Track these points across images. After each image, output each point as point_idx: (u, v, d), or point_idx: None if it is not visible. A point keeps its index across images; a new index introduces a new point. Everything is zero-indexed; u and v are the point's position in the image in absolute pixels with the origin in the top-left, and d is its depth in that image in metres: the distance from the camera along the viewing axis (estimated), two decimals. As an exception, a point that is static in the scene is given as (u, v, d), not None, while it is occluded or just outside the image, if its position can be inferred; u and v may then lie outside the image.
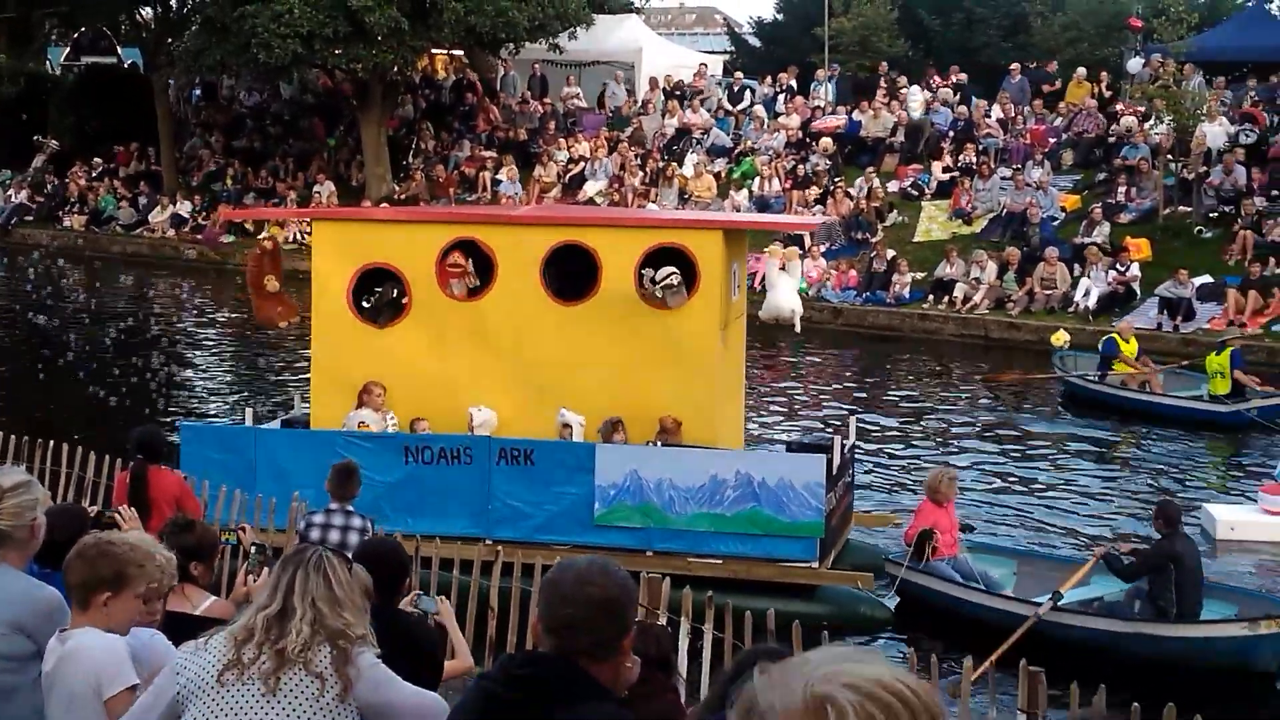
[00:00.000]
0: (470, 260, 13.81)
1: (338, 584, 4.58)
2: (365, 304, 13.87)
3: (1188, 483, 18.01)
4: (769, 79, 37.73)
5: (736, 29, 55.39)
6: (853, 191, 31.01)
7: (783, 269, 14.88)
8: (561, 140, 36.27)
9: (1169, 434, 19.82)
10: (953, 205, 30.38)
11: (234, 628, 4.56)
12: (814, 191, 31.37)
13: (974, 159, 31.40)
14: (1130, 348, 21.56)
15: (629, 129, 36.23)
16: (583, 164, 34.88)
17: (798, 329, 15.25)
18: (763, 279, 17.99)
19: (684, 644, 9.48)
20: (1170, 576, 11.82)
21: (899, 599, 12.89)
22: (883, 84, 35.36)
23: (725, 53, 49.04)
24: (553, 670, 3.65)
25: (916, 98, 34.26)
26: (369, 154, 37.27)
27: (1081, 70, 34.12)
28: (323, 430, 13.46)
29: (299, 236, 35.14)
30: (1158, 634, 11.68)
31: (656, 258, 13.22)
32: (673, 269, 13.08)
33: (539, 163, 35.32)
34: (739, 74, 38.94)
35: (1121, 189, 29.07)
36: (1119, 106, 31.75)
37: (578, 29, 36.88)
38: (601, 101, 38.77)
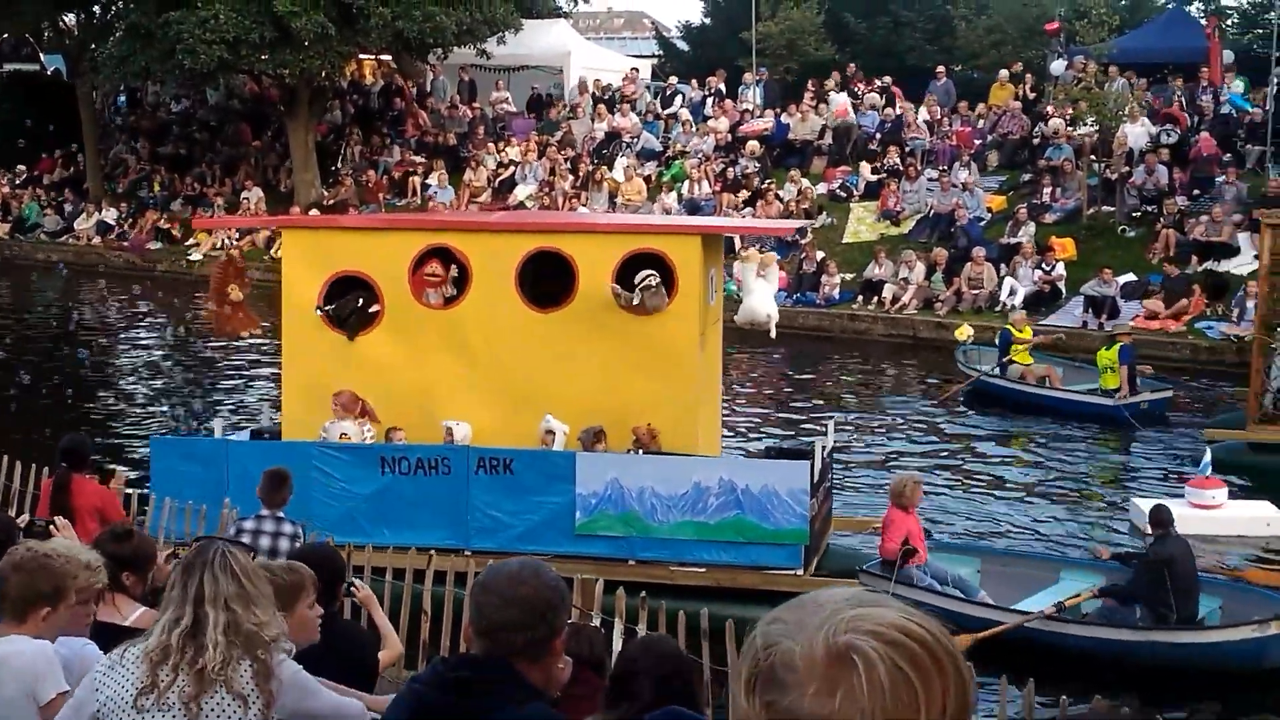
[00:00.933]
0: (449, 269, 13.64)
1: (245, 578, 4.49)
2: (327, 312, 13.62)
3: (1095, 475, 18.43)
4: (697, 83, 37.89)
5: (664, 33, 55.55)
6: (782, 194, 31.20)
7: (760, 274, 14.75)
8: (491, 145, 36.25)
9: (1067, 428, 20.18)
10: (881, 207, 30.64)
11: (148, 645, 4.43)
12: (744, 194, 31.54)
13: (901, 161, 31.69)
14: (1025, 335, 22.01)
15: (559, 133, 36.26)
16: (513, 168, 34.88)
17: (773, 334, 15.15)
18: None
19: (618, 645, 9.53)
20: (1166, 581, 11.68)
21: None
22: (810, 87, 35.58)
23: (653, 56, 49.15)
24: (485, 672, 3.65)
25: (844, 101, 34.50)
26: (297, 160, 37.06)
27: (1005, 73, 34.51)
28: (297, 442, 13.18)
29: (227, 241, 35.00)
30: (1171, 641, 11.55)
31: (633, 264, 13.09)
32: (650, 271, 12.96)
33: (469, 167, 35.27)
34: (671, 79, 39.02)
35: (1046, 189, 29.44)
36: (1043, 108, 32.13)
37: (506, 34, 36.88)
38: (532, 105, 38.78)
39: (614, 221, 16.95)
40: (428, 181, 35.10)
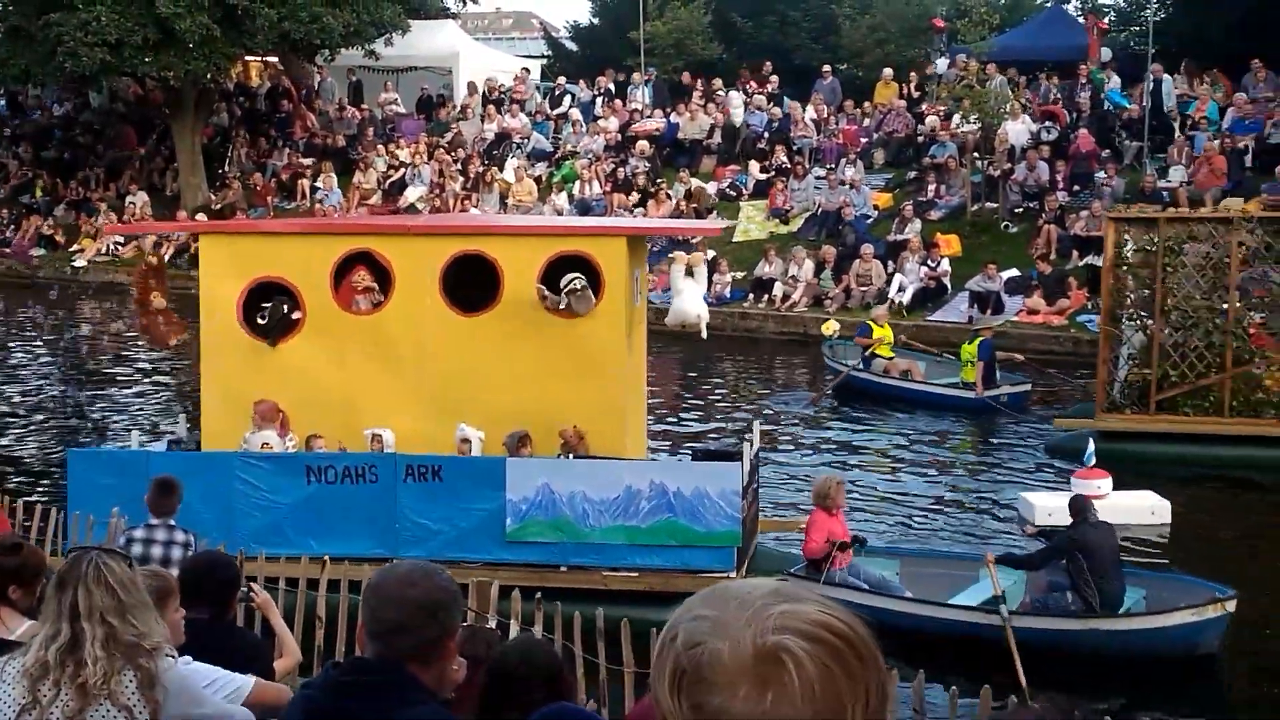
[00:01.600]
0: (373, 275, 13.40)
1: (121, 589, 4.40)
2: (260, 320, 13.36)
3: (960, 466, 18.86)
4: (586, 83, 37.98)
5: (553, 33, 55.55)
6: (672, 193, 31.39)
7: (688, 274, 14.62)
8: (380, 146, 36.08)
9: (934, 421, 20.67)
10: (770, 205, 30.94)
11: (26, 662, 4.37)
12: (634, 194, 31.71)
13: (789, 159, 32.01)
14: (884, 331, 22.53)
15: (448, 134, 36.18)
16: (403, 170, 34.74)
17: (704, 334, 14.97)
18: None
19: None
20: (1083, 566, 11.76)
21: None
22: (699, 87, 35.81)
23: (542, 57, 49.13)
24: (377, 674, 3.64)
25: (735, 100, 34.79)
26: (183, 163, 36.63)
27: (888, 71, 34.97)
28: (220, 452, 12.90)
29: (112, 248, 34.53)
30: (1111, 628, 11.67)
31: (558, 266, 12.98)
32: (576, 274, 12.86)
33: (358, 169, 35.09)
34: (561, 80, 39.07)
35: (931, 186, 29.91)
36: (926, 106, 32.62)
37: (393, 35, 36.72)
38: (421, 106, 38.64)
39: (538, 224, 16.85)
40: (316, 184, 34.86)
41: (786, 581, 2.01)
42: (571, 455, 12.74)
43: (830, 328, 23.73)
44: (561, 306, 12.86)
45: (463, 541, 12.41)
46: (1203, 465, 17.26)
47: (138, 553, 9.63)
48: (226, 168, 37.44)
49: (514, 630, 9.79)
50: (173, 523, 10.10)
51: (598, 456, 12.78)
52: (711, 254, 28.77)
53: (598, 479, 12.29)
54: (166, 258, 33.54)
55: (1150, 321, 17.94)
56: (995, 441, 19.99)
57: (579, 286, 12.80)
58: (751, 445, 13.57)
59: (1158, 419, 17.87)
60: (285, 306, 13.39)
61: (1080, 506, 12.20)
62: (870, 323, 22.86)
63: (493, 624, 9.44)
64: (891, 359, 22.23)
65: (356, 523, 12.40)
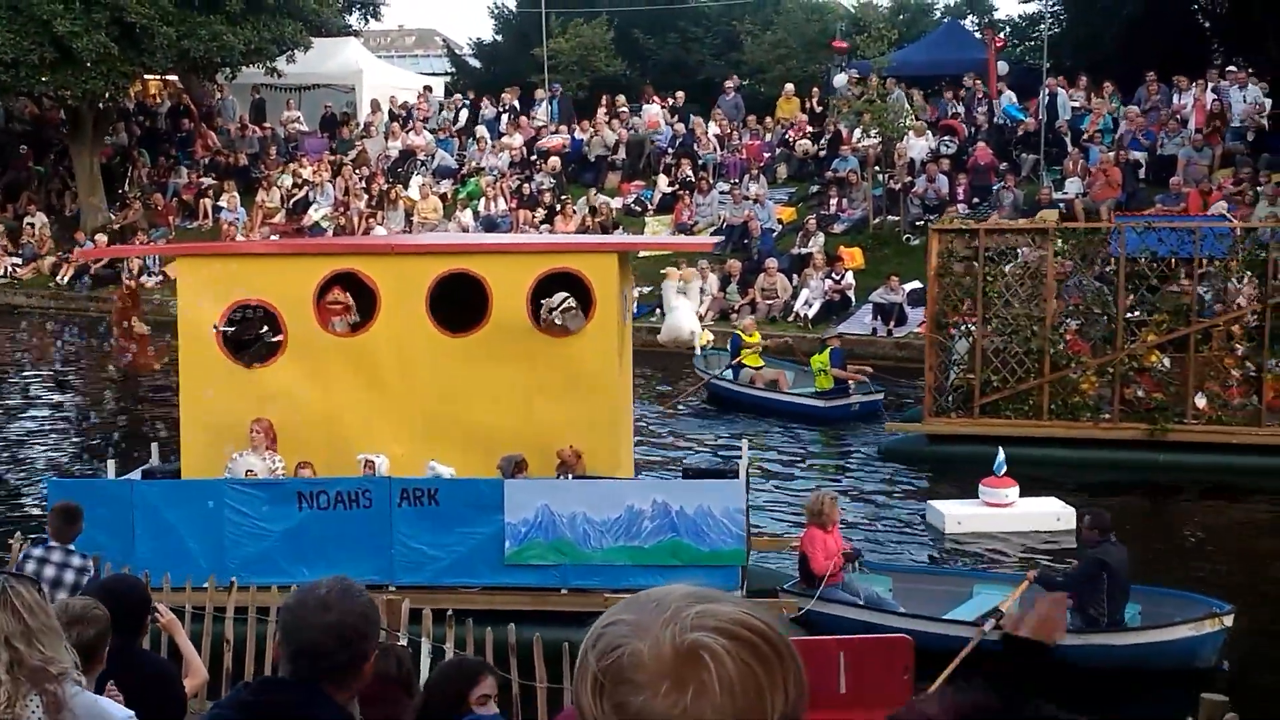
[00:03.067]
0: (349, 295, 13.12)
1: (28, 613, 4.34)
2: (225, 333, 12.99)
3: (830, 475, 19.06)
4: (489, 100, 38.00)
5: (456, 50, 55.45)
6: (578, 209, 31.49)
7: (680, 291, 14.48)
8: (284, 165, 35.85)
9: (783, 428, 21.03)
10: (675, 220, 31.11)
11: None
12: (540, 211, 31.76)
13: (693, 174, 32.24)
14: (753, 339, 22.92)
15: (352, 152, 36.03)
16: (307, 188, 34.55)
17: (698, 351, 14.70)
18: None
19: (425, 664, 9.62)
20: (1102, 585, 11.73)
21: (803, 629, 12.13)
22: (603, 103, 35.97)
23: (446, 74, 49.05)
24: (292, 695, 3.64)
25: (648, 112, 35.00)
26: (82, 183, 36.16)
27: (790, 86, 35.31)
28: (208, 480, 12.49)
29: (10, 269, 34.02)
30: (1110, 644, 11.65)
31: (548, 284, 12.78)
32: (566, 294, 12.70)
33: (261, 188, 34.83)
34: (469, 93, 39.05)
35: (834, 200, 30.25)
36: (828, 121, 32.98)
37: (295, 52, 36.52)
38: (324, 124, 38.45)
39: (527, 241, 16.47)
40: (219, 203, 34.59)
41: (707, 587, 2.03)
42: (570, 476, 12.45)
43: (705, 338, 24.13)
44: (557, 324, 12.68)
45: (461, 566, 12.15)
46: (1023, 465, 17.29)
47: (30, 570, 9.54)
48: (127, 187, 37.00)
49: (425, 648, 9.81)
50: (71, 548, 10.02)
51: (596, 476, 12.50)
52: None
53: (599, 499, 12.01)
54: (65, 280, 33.16)
55: (974, 329, 18.56)
56: (847, 448, 20.31)
57: (572, 305, 12.65)
58: (744, 462, 13.35)
59: (981, 422, 18.38)
60: (264, 327, 13.07)
61: (1105, 525, 12.00)
62: (740, 332, 23.24)
63: (404, 642, 9.47)
64: (760, 369, 22.58)
65: (351, 550, 12.03)
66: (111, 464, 13.64)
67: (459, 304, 12.92)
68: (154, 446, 14.64)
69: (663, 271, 15.25)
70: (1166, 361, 18.30)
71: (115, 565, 10.92)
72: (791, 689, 1.96)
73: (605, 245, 14.51)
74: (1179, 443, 17.83)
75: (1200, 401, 18.12)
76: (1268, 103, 29.55)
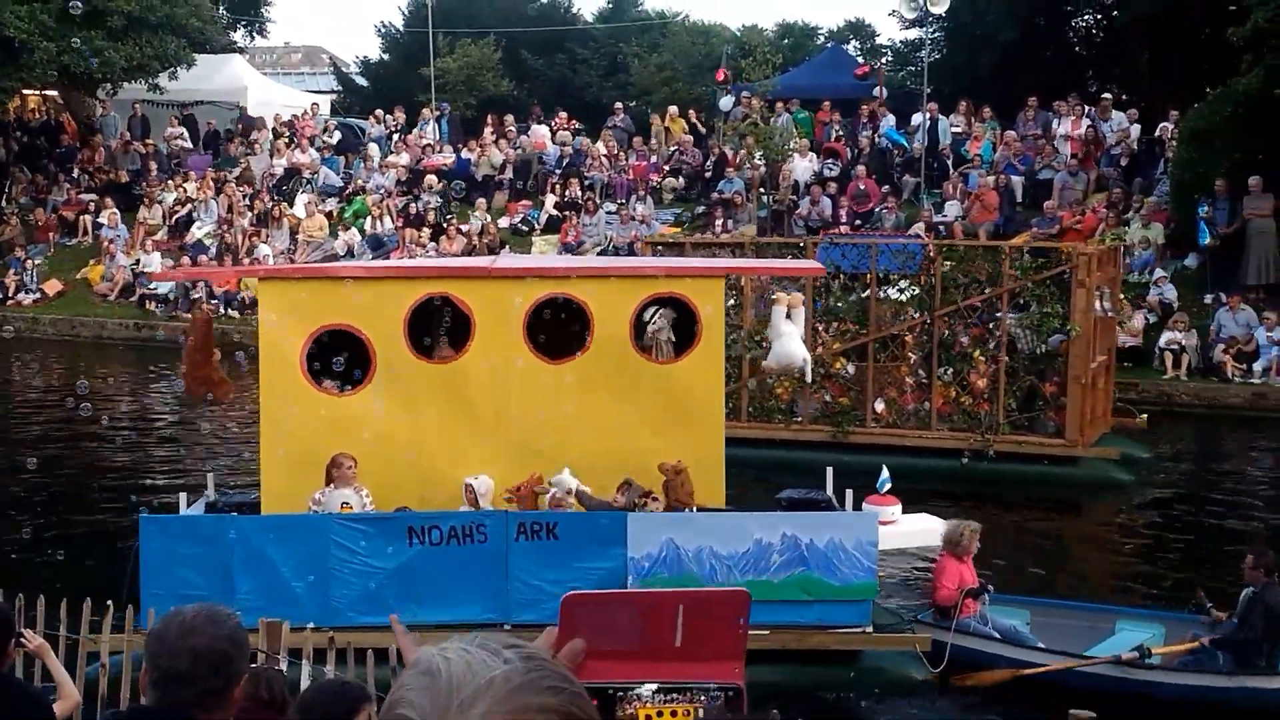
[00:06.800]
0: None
1: None
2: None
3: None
4: (376, 118, 37.90)
5: (343, 68, 55.25)
6: (465, 228, 31.50)
7: (788, 316, 13.79)
8: (167, 181, 35.45)
9: None
10: (562, 240, 31.23)
11: None
12: (427, 230, 31.72)
13: (580, 194, 32.39)
14: None
15: (237, 169, 35.74)
16: (190, 205, 34.19)
17: (809, 378, 14.43)
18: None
19: (304, 685, 9.60)
20: (1268, 628, 11.27)
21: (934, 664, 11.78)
22: (490, 122, 36.04)
23: (332, 92, 48.85)
24: None
25: (536, 133, 35.11)
26: (-42, 199, 35.54)
27: (674, 109, 35.63)
28: (313, 515, 11.73)
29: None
30: (1261, 686, 11.19)
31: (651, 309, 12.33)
32: (659, 308, 12.36)
33: (143, 205, 34.42)
34: (359, 113, 38.93)
35: (719, 221, 30.54)
36: (713, 144, 33.32)
37: (179, 69, 36.17)
38: (208, 142, 38.09)
39: (629, 264, 15.81)
40: (100, 220, 34.14)
41: (514, 663, 1.82)
42: (668, 491, 11.95)
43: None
44: (660, 339, 12.36)
45: None
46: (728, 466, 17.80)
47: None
48: (4, 204, 36.40)
49: (305, 670, 9.80)
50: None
51: (711, 509, 11.96)
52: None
53: (725, 533, 11.47)
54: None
55: None
56: None
57: (667, 319, 12.41)
58: (828, 487, 12.93)
59: None
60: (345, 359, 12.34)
61: (1271, 565, 11.39)
62: None
63: (283, 665, 9.44)
64: None
65: (464, 587, 11.51)
66: (183, 496, 12.85)
67: (557, 329, 12.43)
68: (209, 477, 13.86)
69: (772, 297, 14.81)
70: (851, 368, 19.28)
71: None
72: None
73: (712, 270, 13.66)
74: (860, 444, 18.50)
75: (879, 406, 19.17)
76: (1138, 128, 30.33)
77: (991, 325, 19.15)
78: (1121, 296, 22.68)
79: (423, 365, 12.21)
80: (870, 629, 11.58)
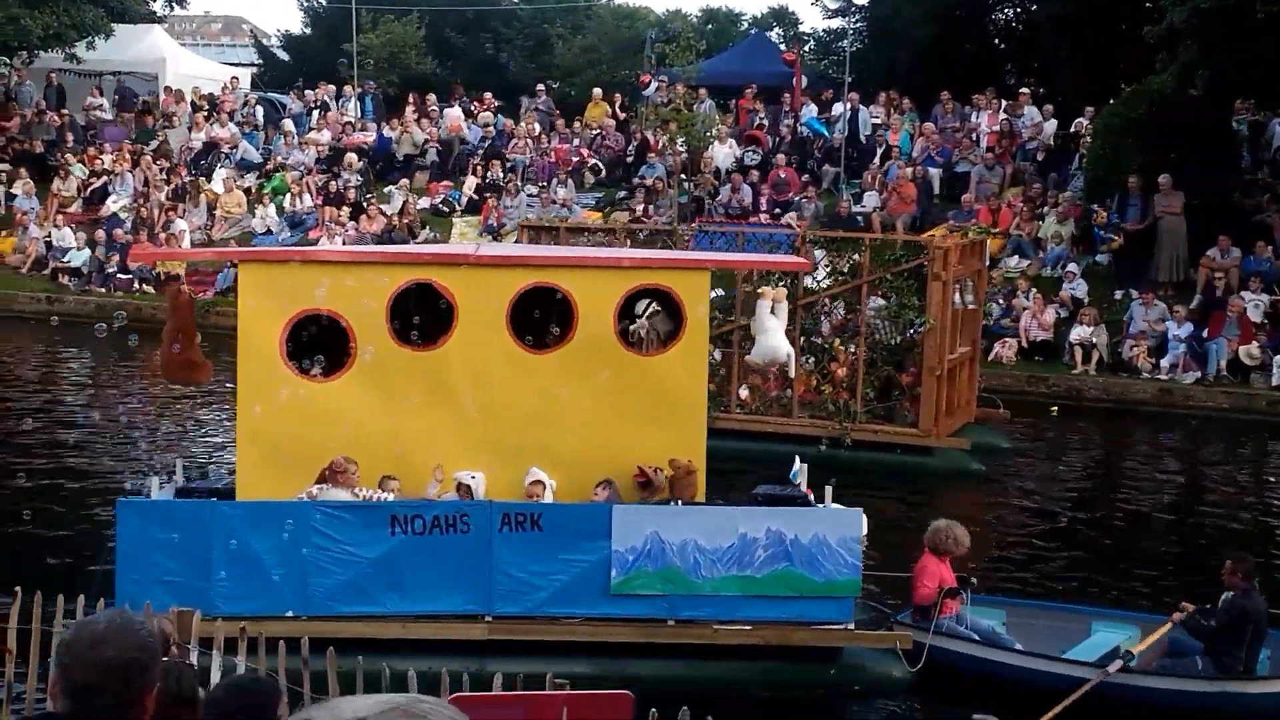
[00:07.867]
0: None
1: None
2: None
3: None
4: (298, 94, 37.57)
5: (264, 41, 54.71)
6: (385, 208, 31.35)
7: (772, 311, 13.81)
8: (82, 152, 34.92)
9: None
10: (483, 221, 31.18)
11: None
12: (346, 209, 31.53)
13: (502, 176, 32.33)
14: None
15: (154, 142, 35.31)
16: (105, 178, 33.74)
17: (792, 373, 14.30)
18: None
19: (215, 677, 9.60)
20: (1245, 634, 11.34)
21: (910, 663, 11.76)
22: (412, 101, 35.86)
23: (253, 65, 48.34)
24: None
25: (450, 116, 34.95)
26: None
27: (598, 91, 35.63)
28: (295, 502, 11.54)
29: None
30: (1242, 691, 11.27)
31: (636, 300, 12.26)
32: (648, 300, 12.32)
33: (58, 177, 33.91)
34: (277, 89, 38.56)
35: (640, 206, 30.61)
36: (634, 128, 33.38)
37: (96, 38, 35.66)
38: (124, 109, 37.55)
39: (615, 255, 15.60)
40: (12, 191, 33.60)
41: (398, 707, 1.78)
42: (674, 488, 11.88)
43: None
44: (644, 334, 12.28)
45: (564, 595, 11.53)
46: None
47: None
48: (-87, 173, 35.73)
49: (216, 661, 9.79)
50: None
51: (700, 502, 11.92)
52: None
53: (711, 526, 11.44)
54: None
55: None
56: None
57: (657, 310, 12.30)
58: (801, 483, 12.87)
59: None
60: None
61: (1250, 570, 11.54)
62: None
63: (194, 656, 9.43)
64: None
65: (447, 578, 11.44)
66: (155, 481, 12.52)
67: (539, 318, 12.35)
68: (179, 463, 13.33)
69: (757, 291, 14.74)
70: (718, 354, 19.08)
71: (191, 595, 10.36)
72: None
73: (698, 262, 13.61)
74: (724, 429, 18.04)
75: (743, 393, 19.50)
76: (1054, 124, 30.74)
77: (850, 317, 19.54)
78: (1021, 291, 22.92)
79: (404, 353, 12.06)
80: (852, 626, 11.64)
